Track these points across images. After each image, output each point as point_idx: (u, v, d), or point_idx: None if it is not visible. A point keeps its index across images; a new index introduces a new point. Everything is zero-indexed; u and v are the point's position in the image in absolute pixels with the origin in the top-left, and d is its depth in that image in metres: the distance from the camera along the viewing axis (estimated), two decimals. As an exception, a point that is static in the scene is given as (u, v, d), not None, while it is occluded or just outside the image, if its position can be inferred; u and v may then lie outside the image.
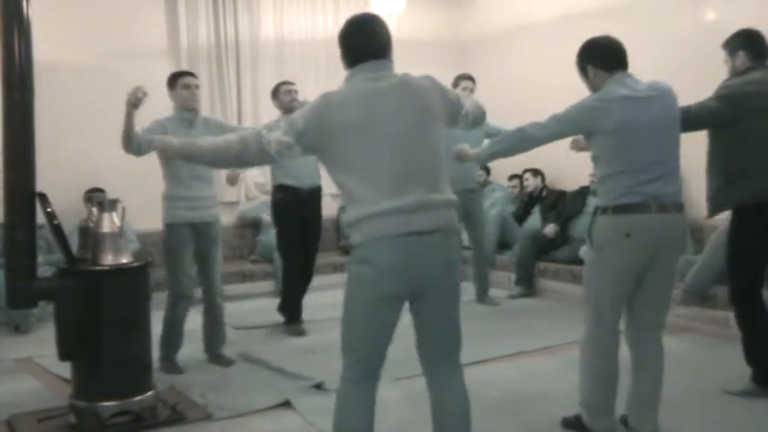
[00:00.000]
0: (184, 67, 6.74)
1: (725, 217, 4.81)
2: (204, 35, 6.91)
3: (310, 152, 2.48)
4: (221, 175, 6.41)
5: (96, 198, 3.99)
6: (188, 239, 4.20)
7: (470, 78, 5.82)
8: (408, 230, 2.32)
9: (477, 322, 5.37)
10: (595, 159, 3.00)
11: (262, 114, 7.12)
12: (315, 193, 5.17)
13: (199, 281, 4.39)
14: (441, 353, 2.51)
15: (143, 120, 4.04)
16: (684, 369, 3.95)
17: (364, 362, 2.45)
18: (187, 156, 2.75)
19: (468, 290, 5.94)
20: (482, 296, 5.95)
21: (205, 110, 6.93)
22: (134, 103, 3.74)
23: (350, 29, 2.49)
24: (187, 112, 4.24)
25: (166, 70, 6.61)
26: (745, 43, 3.58)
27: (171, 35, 6.84)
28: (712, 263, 4.66)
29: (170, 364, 4.21)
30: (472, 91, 5.67)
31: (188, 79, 4.29)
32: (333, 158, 2.42)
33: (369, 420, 2.46)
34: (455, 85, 5.73)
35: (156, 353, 3.85)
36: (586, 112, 2.93)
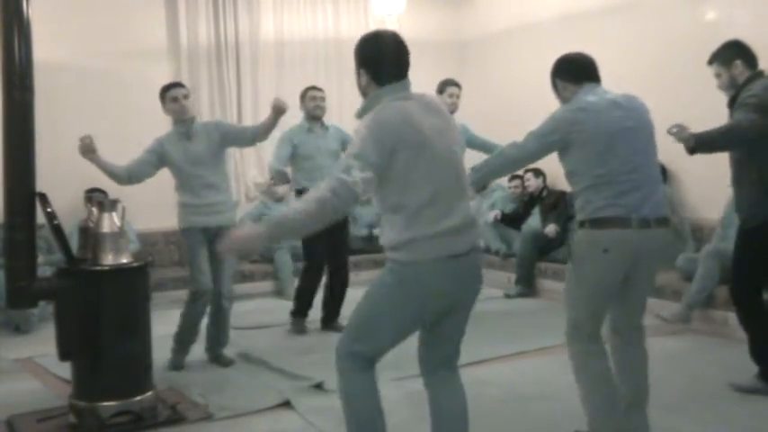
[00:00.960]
0: (184, 68, 6.77)
1: (719, 218, 4.80)
2: (204, 35, 6.91)
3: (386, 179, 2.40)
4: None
5: (96, 198, 4.00)
6: (201, 242, 4.24)
7: (456, 85, 5.38)
8: (459, 252, 2.38)
9: (477, 322, 5.36)
10: (570, 174, 2.94)
11: (261, 114, 7.11)
12: None
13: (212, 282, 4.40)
14: (445, 359, 2.58)
15: (148, 127, 4.08)
16: (684, 369, 3.95)
17: (372, 359, 2.50)
18: (281, 235, 2.51)
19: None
20: None
21: (205, 110, 6.95)
22: (84, 150, 3.93)
23: (384, 48, 2.49)
24: (180, 124, 4.23)
25: (166, 70, 6.67)
26: (739, 52, 3.58)
27: (171, 35, 6.84)
28: (706, 285, 4.69)
29: (178, 358, 4.29)
30: (458, 98, 5.32)
31: (175, 91, 4.25)
32: (394, 179, 2.36)
33: (377, 401, 2.50)
34: (440, 90, 5.37)
35: (156, 353, 3.84)
36: (562, 122, 2.89)
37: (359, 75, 2.50)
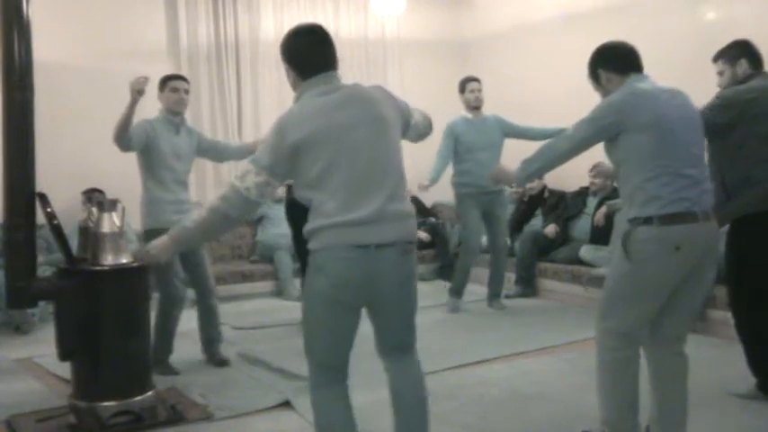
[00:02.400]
0: (184, 68, 6.76)
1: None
2: (204, 35, 6.91)
3: (287, 178, 2.47)
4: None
5: (96, 198, 3.99)
6: None
7: (476, 80, 5.71)
8: (363, 242, 2.32)
9: (477, 322, 5.37)
10: (625, 164, 2.73)
11: (261, 114, 7.13)
12: None
13: (191, 284, 4.36)
14: (396, 348, 2.55)
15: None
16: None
17: (328, 367, 2.48)
18: (184, 243, 2.66)
19: (475, 291, 5.93)
20: (493, 300, 5.79)
21: (205, 110, 6.96)
22: (138, 89, 3.77)
23: (299, 40, 2.48)
24: (173, 115, 4.22)
25: (166, 70, 6.59)
26: (746, 51, 3.55)
27: (171, 35, 6.84)
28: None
29: (164, 367, 4.15)
30: (479, 91, 5.64)
31: (177, 83, 4.25)
32: (298, 177, 2.41)
33: (351, 420, 2.48)
34: (461, 89, 5.68)
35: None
36: (618, 106, 2.70)
37: (287, 72, 2.52)
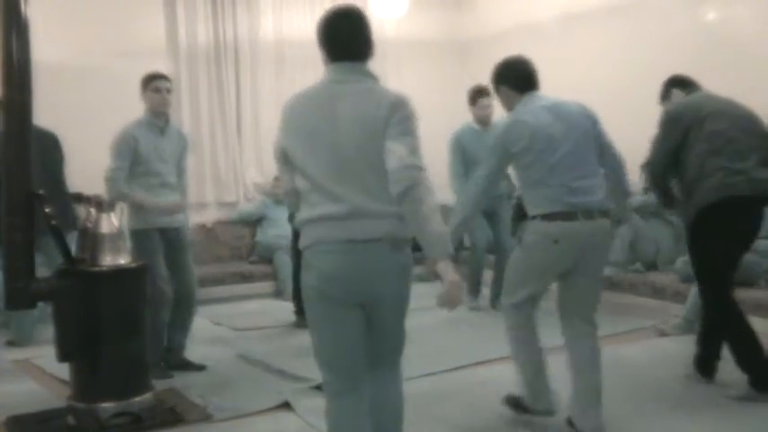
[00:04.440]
0: (183, 68, 6.76)
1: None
2: (203, 35, 6.90)
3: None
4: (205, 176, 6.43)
5: (95, 198, 3.97)
6: (159, 245, 4.09)
7: (488, 94, 5.34)
8: (352, 237, 2.28)
9: (478, 322, 5.36)
10: (520, 170, 3.18)
11: (261, 114, 7.12)
12: None
13: (175, 287, 4.21)
14: (380, 356, 2.49)
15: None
16: (684, 370, 3.94)
17: (340, 373, 2.41)
18: None
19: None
20: (496, 301, 5.56)
21: (204, 110, 6.96)
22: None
23: (329, 24, 2.41)
24: (156, 117, 4.15)
25: (165, 70, 6.59)
26: (672, 84, 3.89)
27: (170, 35, 6.82)
28: None
29: (159, 370, 4.07)
30: (490, 106, 5.43)
31: (159, 82, 4.15)
32: (293, 163, 2.38)
33: (359, 425, 2.41)
34: (473, 101, 5.57)
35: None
36: (504, 139, 3.13)
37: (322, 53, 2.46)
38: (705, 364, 3.76)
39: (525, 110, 3.14)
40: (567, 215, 3.02)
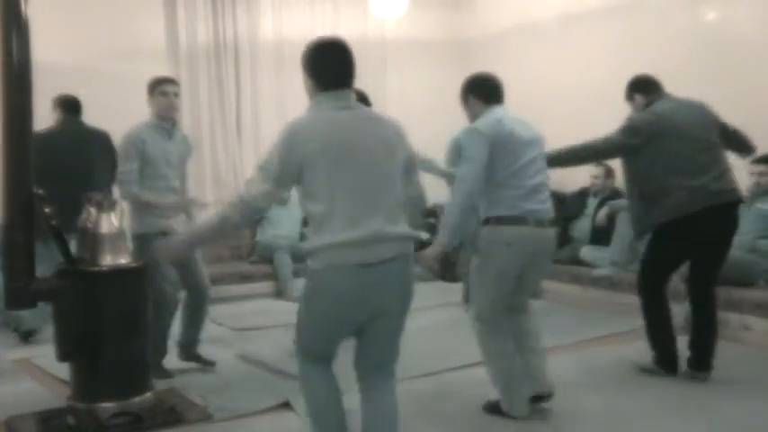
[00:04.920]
0: (183, 68, 6.76)
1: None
2: (203, 35, 6.90)
3: (293, 186, 2.51)
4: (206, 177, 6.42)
5: (95, 198, 3.97)
6: None
7: None
8: (367, 261, 2.39)
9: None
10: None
11: (261, 114, 7.13)
12: None
13: (184, 285, 4.22)
14: (377, 365, 2.63)
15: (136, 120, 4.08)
16: (683, 369, 3.94)
17: (318, 356, 2.62)
18: (196, 245, 2.99)
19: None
20: None
21: (204, 110, 6.96)
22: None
23: (323, 53, 2.53)
24: (164, 120, 4.13)
25: (165, 71, 6.62)
26: (634, 87, 4.06)
27: (170, 36, 6.83)
28: None
29: (160, 370, 4.08)
30: None
31: (166, 86, 4.12)
32: (304, 188, 2.46)
33: (334, 389, 2.62)
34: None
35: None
36: (478, 143, 3.25)
37: (305, 81, 2.56)
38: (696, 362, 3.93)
39: (487, 120, 3.32)
40: (521, 220, 3.26)
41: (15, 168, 3.24)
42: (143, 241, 3.97)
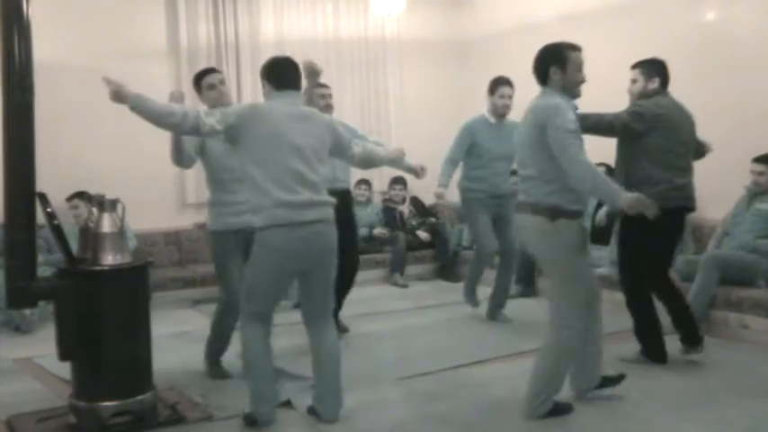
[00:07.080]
0: (184, 68, 6.75)
1: (721, 219, 4.88)
2: (204, 35, 6.90)
3: (230, 142, 3.26)
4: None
5: (97, 198, 3.98)
6: (234, 246, 3.94)
7: (510, 84, 5.31)
8: (301, 220, 3.18)
9: (477, 322, 5.37)
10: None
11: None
12: (344, 196, 4.72)
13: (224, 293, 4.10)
14: (318, 313, 3.41)
15: (147, 127, 4.01)
16: (684, 369, 3.96)
17: (261, 312, 3.33)
18: (135, 105, 3.19)
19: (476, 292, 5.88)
20: (495, 312, 5.41)
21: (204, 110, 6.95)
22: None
23: (282, 63, 3.43)
24: None
25: (166, 71, 6.67)
26: (661, 72, 4.14)
27: (171, 35, 6.83)
28: (708, 287, 4.71)
29: (218, 369, 4.09)
30: (510, 98, 5.27)
31: (211, 77, 4.02)
32: (249, 153, 3.22)
33: (268, 347, 3.37)
34: (492, 90, 5.31)
35: (156, 353, 3.82)
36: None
37: (264, 86, 3.41)
38: (689, 338, 4.19)
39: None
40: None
41: (16, 168, 3.25)
42: (218, 238, 3.97)
